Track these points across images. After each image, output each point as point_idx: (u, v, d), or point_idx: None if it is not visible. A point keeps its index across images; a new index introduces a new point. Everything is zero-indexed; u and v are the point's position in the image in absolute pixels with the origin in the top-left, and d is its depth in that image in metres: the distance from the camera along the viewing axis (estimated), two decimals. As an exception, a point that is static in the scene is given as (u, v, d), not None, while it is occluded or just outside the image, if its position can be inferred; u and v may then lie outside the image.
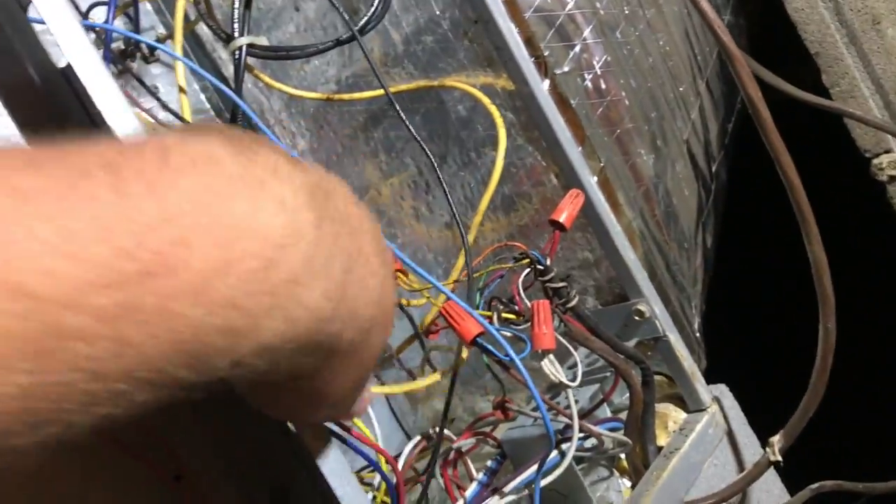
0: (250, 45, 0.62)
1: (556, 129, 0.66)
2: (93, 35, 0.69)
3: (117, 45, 0.85)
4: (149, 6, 0.93)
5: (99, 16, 0.79)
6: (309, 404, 0.34)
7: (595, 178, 0.75)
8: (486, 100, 0.66)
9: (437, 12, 0.69)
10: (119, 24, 0.81)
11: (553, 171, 0.70)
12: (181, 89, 0.61)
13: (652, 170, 0.82)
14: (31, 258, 0.20)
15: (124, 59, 0.85)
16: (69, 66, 0.45)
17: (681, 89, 0.90)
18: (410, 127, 0.57)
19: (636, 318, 0.68)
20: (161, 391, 0.23)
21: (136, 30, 0.75)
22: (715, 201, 0.95)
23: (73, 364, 0.20)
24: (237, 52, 0.62)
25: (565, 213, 0.61)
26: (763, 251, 1.13)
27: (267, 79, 0.73)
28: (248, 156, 0.26)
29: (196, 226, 0.23)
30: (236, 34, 0.62)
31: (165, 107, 0.73)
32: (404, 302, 0.67)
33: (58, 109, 0.51)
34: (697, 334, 0.84)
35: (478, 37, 0.68)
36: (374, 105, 0.76)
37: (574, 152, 0.67)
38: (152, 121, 0.64)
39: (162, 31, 0.92)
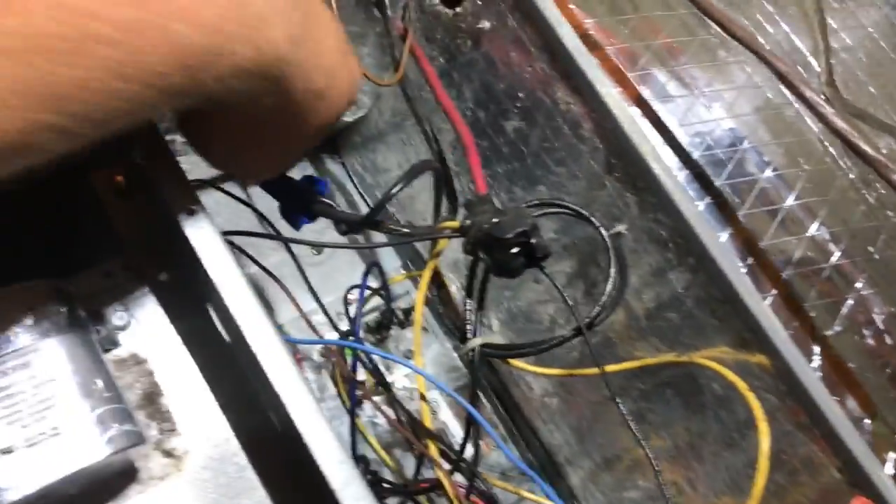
0: (484, 346, 0.62)
1: (831, 418, 0.57)
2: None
3: (376, 317, 0.89)
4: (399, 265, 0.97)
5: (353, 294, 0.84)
6: (286, 139, 0.42)
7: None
8: (741, 385, 0.59)
9: (680, 290, 0.64)
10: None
11: (834, 464, 0.60)
12: (422, 397, 0.62)
13: (971, 435, 0.67)
14: None
15: (380, 330, 0.89)
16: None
17: None
18: (625, 413, 0.52)
19: None
20: (165, 97, 0.31)
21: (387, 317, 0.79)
22: None
23: (101, 63, 0.28)
24: (471, 353, 0.62)
25: (851, 532, 0.51)
26: None
27: (514, 363, 0.72)
28: None
29: None
30: (469, 335, 0.62)
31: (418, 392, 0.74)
32: None
33: (295, 456, 0.52)
34: None
35: (727, 316, 0.62)
36: (622, 377, 0.72)
37: (857, 444, 0.56)
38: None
39: (413, 293, 0.95)
